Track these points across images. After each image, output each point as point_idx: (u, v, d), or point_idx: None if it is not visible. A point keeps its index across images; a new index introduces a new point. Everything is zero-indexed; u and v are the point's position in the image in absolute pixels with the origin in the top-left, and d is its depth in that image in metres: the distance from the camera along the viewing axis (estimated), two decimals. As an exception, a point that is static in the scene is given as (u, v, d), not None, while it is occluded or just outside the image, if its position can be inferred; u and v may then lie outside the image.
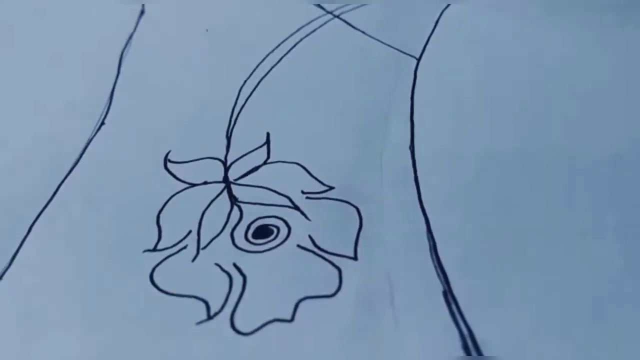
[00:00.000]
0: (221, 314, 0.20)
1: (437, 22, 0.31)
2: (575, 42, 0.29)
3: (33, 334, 0.20)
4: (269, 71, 0.30)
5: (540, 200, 0.22)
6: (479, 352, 0.18)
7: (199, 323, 0.20)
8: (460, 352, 0.18)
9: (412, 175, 0.24)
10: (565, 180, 0.23)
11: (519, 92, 0.27)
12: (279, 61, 0.30)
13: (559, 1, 0.31)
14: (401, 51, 0.30)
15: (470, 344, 0.18)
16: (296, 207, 0.23)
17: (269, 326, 0.19)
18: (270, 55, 0.31)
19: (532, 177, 0.23)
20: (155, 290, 0.21)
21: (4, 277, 0.22)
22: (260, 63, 0.30)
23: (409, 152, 0.25)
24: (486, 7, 0.32)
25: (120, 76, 0.31)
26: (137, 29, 0.33)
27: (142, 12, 0.34)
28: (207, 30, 0.32)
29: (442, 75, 0.28)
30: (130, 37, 0.33)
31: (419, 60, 0.29)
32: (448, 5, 0.32)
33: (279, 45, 0.31)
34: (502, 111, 0.26)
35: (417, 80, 0.28)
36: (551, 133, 0.25)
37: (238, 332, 0.19)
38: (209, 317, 0.20)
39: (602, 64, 0.28)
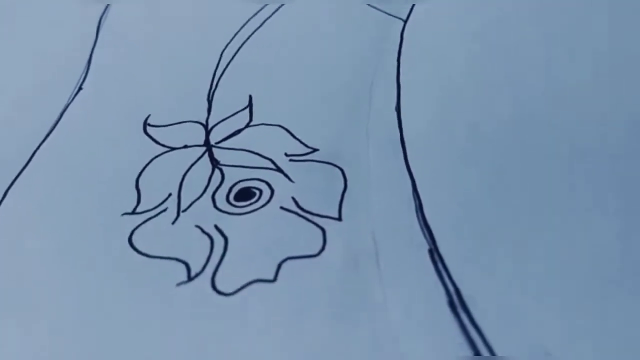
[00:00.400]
0: (202, 275, 0.19)
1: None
2: (575, 3, 0.28)
3: (10, 298, 0.20)
4: (251, 34, 0.29)
5: (531, 161, 0.22)
6: (465, 308, 0.17)
7: (179, 284, 0.19)
8: (447, 308, 0.17)
9: (399, 135, 0.23)
10: (558, 139, 0.22)
11: (512, 54, 0.26)
12: (261, 24, 0.29)
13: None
14: (387, 13, 0.29)
15: (456, 300, 0.18)
16: (279, 169, 0.23)
17: (251, 286, 0.19)
18: (253, 18, 0.30)
19: (521, 138, 0.23)
20: (134, 252, 0.20)
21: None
22: (243, 26, 0.29)
23: (395, 113, 0.24)
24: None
25: (98, 41, 0.30)
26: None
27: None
28: (187, -6, 0.32)
29: (429, 36, 0.28)
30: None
31: (405, 21, 0.28)
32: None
33: (262, 8, 0.30)
34: (491, 73, 0.26)
35: (404, 42, 0.27)
36: (549, 87, 0.24)
37: (219, 292, 0.19)
38: (190, 279, 0.19)
39: (603, 26, 0.27)
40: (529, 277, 0.18)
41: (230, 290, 0.19)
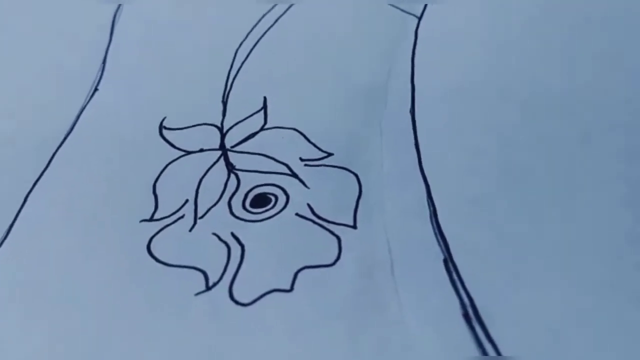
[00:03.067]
0: (220, 284, 0.20)
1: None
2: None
3: (31, 303, 0.20)
4: (264, 34, 0.29)
5: (547, 163, 0.22)
6: (479, 319, 0.18)
7: (197, 294, 0.19)
8: (461, 320, 0.18)
9: (413, 140, 0.23)
10: (576, 140, 0.22)
11: (528, 53, 0.26)
12: (274, 23, 0.29)
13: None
14: (401, 9, 0.29)
15: (470, 312, 0.18)
16: (294, 175, 0.23)
17: (268, 296, 0.19)
18: (265, 16, 0.30)
19: (536, 140, 0.23)
20: (153, 261, 0.21)
21: (0, 248, 0.22)
22: (255, 25, 0.29)
23: (409, 115, 0.24)
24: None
25: (112, 41, 0.30)
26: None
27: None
28: (200, -8, 0.31)
29: (443, 35, 0.27)
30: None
31: (419, 19, 0.28)
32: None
33: (274, 6, 0.30)
34: (505, 73, 0.25)
35: (418, 41, 0.27)
36: (563, 87, 0.24)
37: (237, 302, 0.19)
38: (208, 288, 0.20)
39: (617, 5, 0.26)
40: (547, 288, 0.18)
41: (248, 301, 0.19)
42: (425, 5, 0.29)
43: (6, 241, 0.22)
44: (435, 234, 0.20)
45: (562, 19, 0.27)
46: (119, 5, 0.31)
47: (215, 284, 0.20)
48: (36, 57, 0.29)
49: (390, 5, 0.29)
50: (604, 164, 0.21)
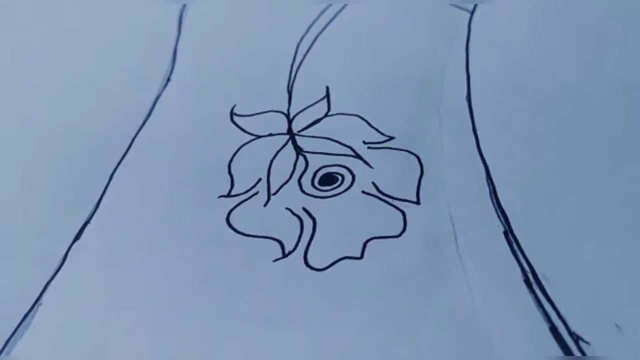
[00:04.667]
0: (295, 253, 0.21)
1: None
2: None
3: (117, 277, 0.22)
4: (324, 27, 0.31)
5: (599, 140, 0.23)
6: (540, 285, 0.19)
7: (275, 260, 0.21)
8: (522, 285, 0.19)
9: (470, 125, 0.25)
10: (623, 119, 0.23)
11: (574, 36, 0.27)
12: (334, 17, 0.31)
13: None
14: (455, 5, 0.30)
15: (531, 277, 0.19)
16: (359, 156, 0.24)
17: (341, 263, 0.21)
18: (325, 12, 0.31)
19: (588, 118, 0.24)
20: (232, 232, 0.22)
21: (91, 222, 0.24)
22: (315, 21, 0.31)
23: (466, 102, 0.26)
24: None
25: (181, 34, 0.32)
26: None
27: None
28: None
29: (495, 27, 0.29)
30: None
31: (472, 13, 0.30)
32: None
33: (331, 4, 0.32)
34: (555, 57, 0.27)
35: (471, 33, 0.29)
36: (608, 71, 0.25)
37: (312, 268, 0.21)
38: (284, 255, 0.21)
39: None
40: (599, 254, 0.19)
41: (322, 266, 0.21)
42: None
43: (95, 216, 0.24)
44: (495, 209, 0.21)
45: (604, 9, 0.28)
46: (184, 5, 0.33)
47: (291, 252, 0.21)
48: (110, 51, 0.31)
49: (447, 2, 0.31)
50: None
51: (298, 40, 0.30)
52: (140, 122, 0.27)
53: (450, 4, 0.30)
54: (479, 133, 0.24)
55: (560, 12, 0.29)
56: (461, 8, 0.30)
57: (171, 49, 0.31)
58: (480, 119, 0.25)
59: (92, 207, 0.24)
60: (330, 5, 0.31)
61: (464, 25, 0.29)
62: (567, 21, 0.28)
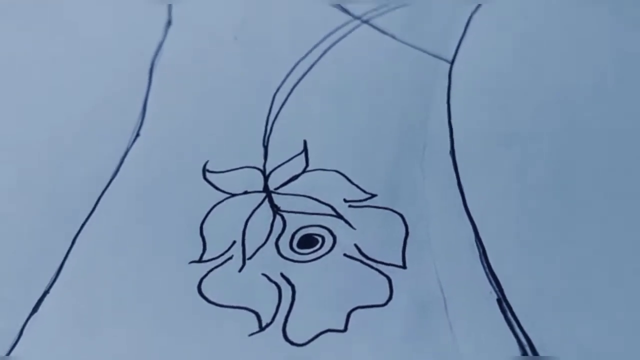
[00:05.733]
0: (273, 325, 0.20)
1: (467, 24, 0.31)
2: (608, 30, 0.29)
3: (80, 351, 0.20)
4: (301, 78, 0.30)
5: (593, 190, 0.22)
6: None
7: (251, 334, 0.20)
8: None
9: (455, 180, 0.23)
10: (620, 171, 0.22)
11: (556, 83, 0.27)
12: (311, 67, 0.30)
13: None
14: (433, 55, 0.30)
15: (528, 350, 0.18)
16: (340, 216, 0.23)
17: (323, 336, 0.19)
18: (302, 61, 0.30)
19: (580, 168, 0.23)
20: (204, 301, 0.21)
21: (49, 293, 0.22)
22: (293, 70, 0.30)
23: (449, 157, 0.25)
24: (515, 8, 0.31)
25: (152, 86, 0.31)
26: (167, 38, 0.33)
27: (169, 23, 0.34)
28: (235, 38, 0.32)
29: (476, 77, 0.28)
30: (160, 45, 0.33)
31: (452, 63, 0.29)
32: (478, 6, 0.32)
33: (310, 51, 0.31)
34: (540, 108, 0.26)
35: (452, 84, 0.28)
36: (593, 120, 0.25)
37: (292, 342, 0.19)
38: (261, 328, 0.20)
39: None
40: (603, 326, 0.18)
41: (303, 341, 0.19)
42: (457, 50, 0.29)
43: (54, 286, 0.22)
44: (487, 273, 0.20)
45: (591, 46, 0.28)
46: (157, 50, 0.32)
47: (268, 325, 0.20)
48: (80, 103, 0.30)
49: (422, 50, 0.30)
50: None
51: (274, 90, 0.29)
52: (107, 180, 0.26)
53: (430, 54, 0.30)
54: (464, 189, 0.23)
55: (540, 58, 0.28)
56: (440, 58, 0.29)
57: (141, 102, 0.30)
58: (466, 174, 0.24)
59: (51, 275, 0.22)
60: (308, 54, 0.30)
61: (444, 76, 0.28)
62: (549, 67, 0.28)
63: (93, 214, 0.24)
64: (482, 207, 0.22)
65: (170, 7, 0.35)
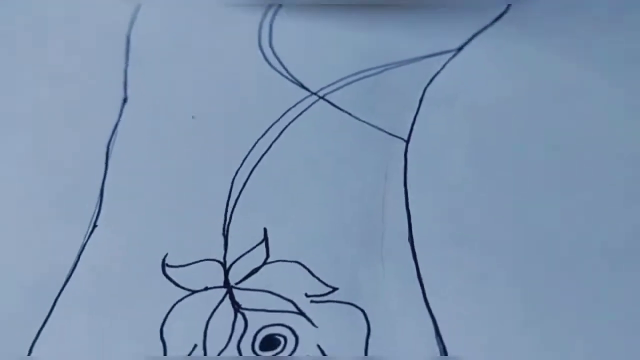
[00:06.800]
0: None
1: (421, 99, 0.31)
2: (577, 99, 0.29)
3: None
4: (260, 159, 0.30)
5: (562, 280, 0.23)
6: None
7: None
8: None
9: (415, 271, 0.24)
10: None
11: (514, 163, 0.27)
12: (269, 148, 0.30)
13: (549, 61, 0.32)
14: (389, 133, 0.30)
15: None
16: (301, 313, 0.23)
17: None
18: (260, 141, 0.31)
19: (539, 258, 0.24)
20: (166, 416, 0.20)
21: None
22: (251, 150, 0.30)
23: (408, 244, 0.25)
24: (468, 77, 0.32)
25: (108, 172, 0.30)
26: (122, 118, 0.33)
27: (125, 100, 0.34)
28: (193, 117, 0.32)
29: (432, 156, 0.29)
30: (116, 127, 0.32)
31: (407, 142, 0.29)
32: (432, 79, 0.32)
33: (267, 130, 0.31)
34: (498, 188, 0.27)
35: (408, 165, 0.28)
36: (550, 199, 0.25)
37: None
38: None
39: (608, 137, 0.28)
40: None
41: None
42: (412, 128, 0.30)
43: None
44: (448, 373, 0.20)
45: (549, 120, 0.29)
46: (113, 132, 0.32)
47: None
48: (33, 192, 0.29)
49: (377, 128, 0.30)
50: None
51: (233, 174, 0.29)
52: (62, 281, 0.25)
53: (386, 132, 0.30)
54: (424, 281, 0.23)
55: (502, 135, 0.29)
56: (395, 136, 0.30)
57: (98, 189, 0.29)
58: (425, 264, 0.24)
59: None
60: (263, 136, 0.31)
61: (400, 156, 0.29)
62: (511, 144, 0.28)
63: (48, 322, 0.24)
64: (441, 301, 0.23)
65: (126, 83, 0.34)
